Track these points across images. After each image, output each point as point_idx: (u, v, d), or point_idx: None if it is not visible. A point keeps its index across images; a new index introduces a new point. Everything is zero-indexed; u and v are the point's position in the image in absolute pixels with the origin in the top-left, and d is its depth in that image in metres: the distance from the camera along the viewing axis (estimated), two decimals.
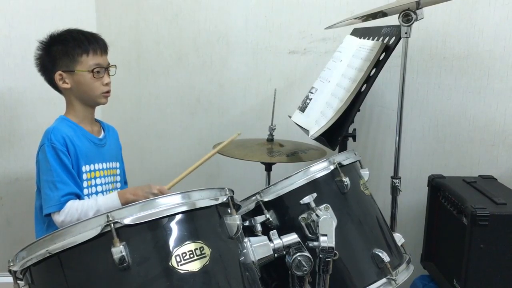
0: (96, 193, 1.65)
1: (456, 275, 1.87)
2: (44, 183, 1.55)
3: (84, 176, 1.61)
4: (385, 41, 1.80)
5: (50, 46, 1.63)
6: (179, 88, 2.47)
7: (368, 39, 1.94)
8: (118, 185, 1.77)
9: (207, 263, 1.09)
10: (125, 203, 1.53)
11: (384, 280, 1.41)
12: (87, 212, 1.51)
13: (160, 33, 2.43)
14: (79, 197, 1.56)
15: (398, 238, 1.60)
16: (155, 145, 2.53)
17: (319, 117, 1.85)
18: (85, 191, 1.61)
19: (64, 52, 1.61)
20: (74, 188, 1.55)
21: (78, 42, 1.61)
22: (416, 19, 1.70)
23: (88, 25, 2.40)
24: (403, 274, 1.48)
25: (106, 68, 1.67)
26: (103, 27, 2.37)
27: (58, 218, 1.51)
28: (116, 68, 1.71)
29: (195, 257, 1.08)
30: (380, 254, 1.42)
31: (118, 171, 1.77)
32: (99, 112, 2.46)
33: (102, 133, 1.75)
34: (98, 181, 1.66)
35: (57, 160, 1.54)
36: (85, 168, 1.62)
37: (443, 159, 2.32)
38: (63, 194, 1.52)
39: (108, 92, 1.68)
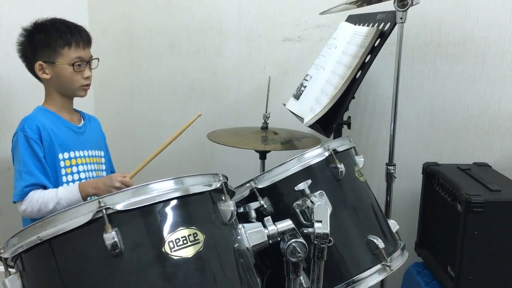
0: (80, 179, 1.64)
1: (450, 262, 1.87)
2: (14, 172, 1.56)
3: (62, 164, 1.61)
4: (380, 27, 1.78)
5: (33, 34, 1.62)
6: (172, 77, 2.45)
7: (363, 25, 1.92)
8: (104, 173, 1.77)
9: (201, 249, 1.08)
10: (86, 196, 1.53)
11: (378, 266, 1.41)
12: (47, 203, 1.51)
13: (153, 20, 2.41)
14: (45, 188, 1.56)
15: (393, 224, 1.60)
16: (148, 134, 2.51)
17: (313, 104, 1.84)
18: (64, 179, 1.61)
19: (46, 43, 1.60)
20: (40, 179, 1.54)
21: (60, 34, 1.60)
22: (412, 4, 1.69)
23: (80, 13, 2.38)
24: (398, 260, 1.48)
25: (88, 61, 1.65)
26: (95, 14, 2.34)
27: (20, 207, 1.53)
28: (98, 61, 1.69)
29: (189, 243, 1.07)
30: (375, 240, 1.41)
31: (103, 160, 1.77)
32: (92, 102, 2.45)
33: (82, 121, 1.75)
34: (80, 168, 1.65)
35: (27, 149, 1.53)
36: (62, 155, 1.61)
37: (438, 146, 2.31)
38: (26, 184, 1.52)
39: (88, 85, 1.67)
